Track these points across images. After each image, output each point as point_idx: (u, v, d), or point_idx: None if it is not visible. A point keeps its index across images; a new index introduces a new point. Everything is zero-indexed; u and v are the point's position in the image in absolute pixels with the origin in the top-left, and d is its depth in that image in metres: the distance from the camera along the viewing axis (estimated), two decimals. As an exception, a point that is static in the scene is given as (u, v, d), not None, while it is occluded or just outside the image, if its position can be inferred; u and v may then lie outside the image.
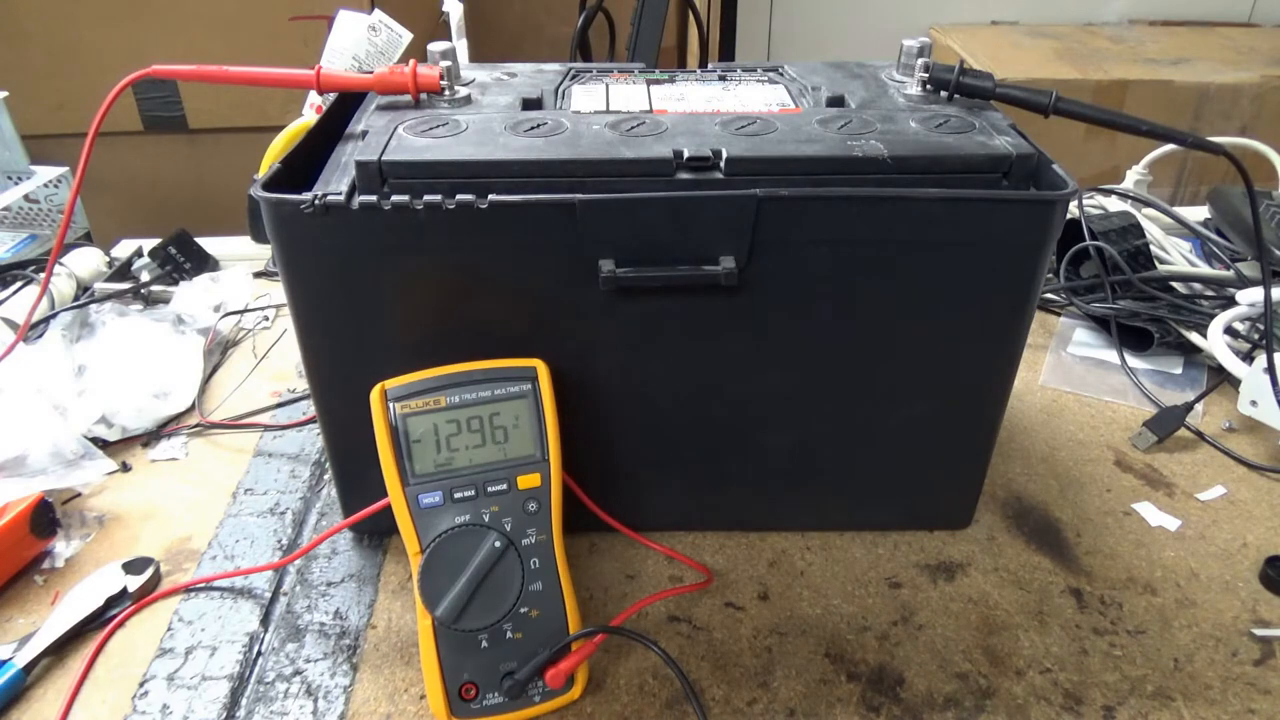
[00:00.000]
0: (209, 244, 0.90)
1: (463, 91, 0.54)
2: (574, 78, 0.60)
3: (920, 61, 0.54)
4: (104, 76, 0.62)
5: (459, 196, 0.45)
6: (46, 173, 0.99)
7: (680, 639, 0.52)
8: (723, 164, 0.46)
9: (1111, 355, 0.77)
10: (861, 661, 0.51)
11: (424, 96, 0.53)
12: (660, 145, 0.47)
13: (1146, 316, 0.77)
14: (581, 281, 0.47)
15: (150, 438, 0.68)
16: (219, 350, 0.79)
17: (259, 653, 0.51)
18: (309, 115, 0.76)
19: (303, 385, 0.73)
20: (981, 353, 0.51)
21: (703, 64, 0.63)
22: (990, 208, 0.46)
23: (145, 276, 0.84)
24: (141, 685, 0.49)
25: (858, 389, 0.52)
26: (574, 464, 0.51)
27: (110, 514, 0.61)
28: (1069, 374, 0.76)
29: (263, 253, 0.92)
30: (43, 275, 0.73)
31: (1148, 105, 1.62)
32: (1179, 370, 0.75)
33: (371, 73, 0.53)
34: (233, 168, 1.40)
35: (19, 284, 0.82)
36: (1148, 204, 0.91)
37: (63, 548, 0.58)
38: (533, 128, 0.49)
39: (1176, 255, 0.83)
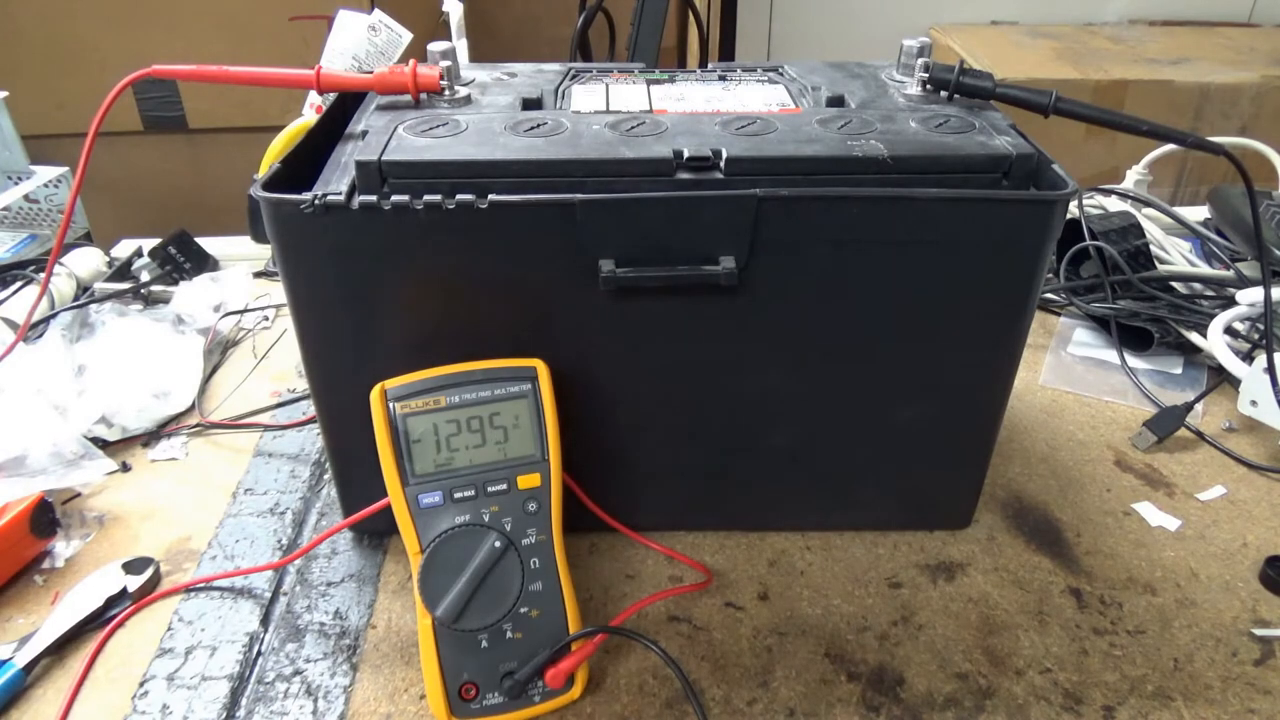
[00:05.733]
0: (209, 244, 0.90)
1: (463, 91, 0.54)
2: (574, 78, 0.60)
3: (920, 61, 0.54)
4: (104, 76, 0.62)
5: (459, 196, 0.45)
6: (46, 173, 0.99)
7: (680, 639, 0.52)
8: (723, 164, 0.46)
9: (1111, 355, 0.77)
10: (861, 661, 0.51)
11: (424, 96, 0.53)
12: (660, 145, 0.47)
13: (1146, 316, 0.76)
14: (581, 281, 0.47)
15: (150, 438, 0.68)
16: (219, 350, 0.79)
17: (259, 653, 0.51)
18: (309, 115, 0.76)
19: (303, 385, 0.73)
20: (981, 352, 0.51)
21: (703, 64, 0.63)
22: (990, 208, 0.46)
23: (145, 276, 0.84)
24: (141, 685, 0.49)
25: (858, 389, 0.52)
26: (574, 464, 0.51)
27: (110, 514, 0.61)
28: (1069, 374, 0.76)
29: (263, 253, 0.92)
30: (43, 275, 0.73)
31: (1148, 105, 1.62)
32: (1179, 370, 0.75)
33: (371, 73, 0.53)
34: (233, 168, 1.40)
35: (19, 284, 0.82)
36: (1148, 204, 0.91)
37: (63, 548, 0.58)
38: (533, 128, 0.49)
39: (1176, 255, 0.83)
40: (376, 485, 0.48)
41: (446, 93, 0.53)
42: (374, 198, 0.45)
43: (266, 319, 0.83)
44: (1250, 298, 0.73)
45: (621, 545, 0.58)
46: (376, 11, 0.87)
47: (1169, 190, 1.63)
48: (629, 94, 0.56)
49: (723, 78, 0.60)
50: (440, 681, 0.46)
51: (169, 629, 0.53)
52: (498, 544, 0.46)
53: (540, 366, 0.49)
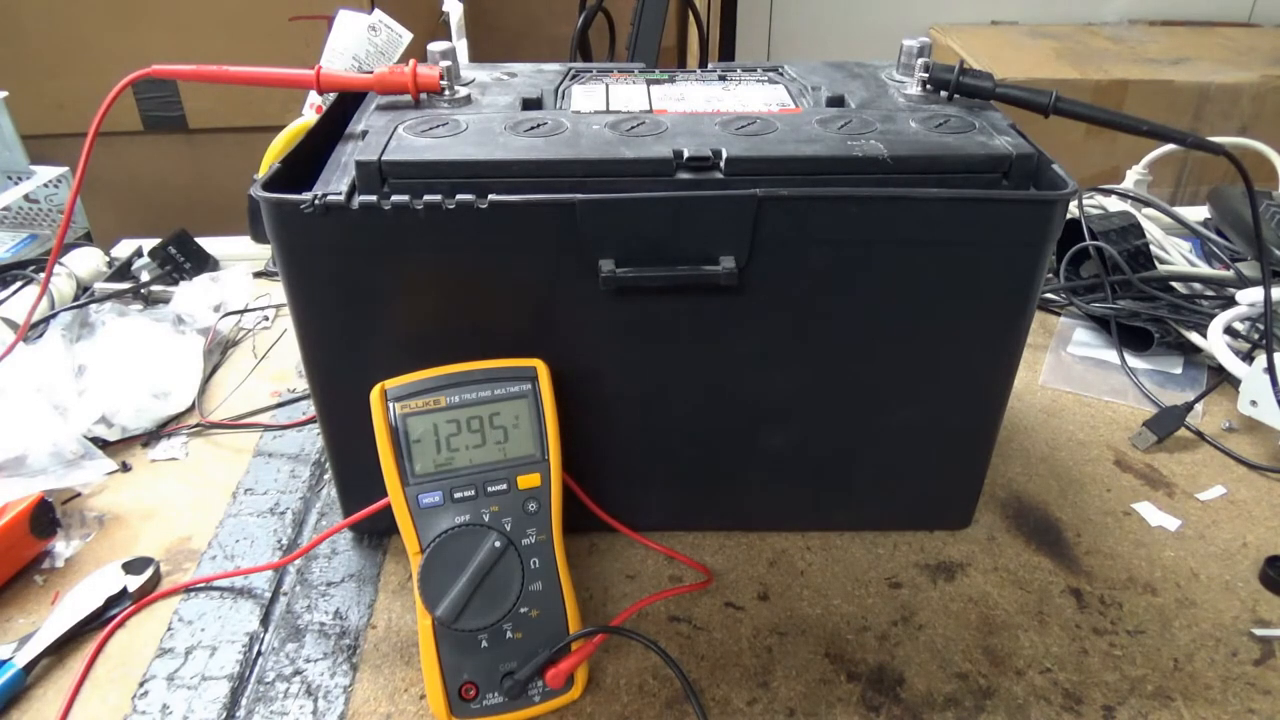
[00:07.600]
0: (209, 244, 0.90)
1: (463, 91, 0.54)
2: (574, 78, 0.60)
3: (920, 61, 0.54)
4: (104, 76, 0.62)
5: (459, 196, 0.45)
6: (46, 173, 0.99)
7: (680, 639, 0.52)
8: (723, 164, 0.46)
9: (1111, 355, 0.77)
10: (861, 661, 0.51)
11: (424, 96, 0.53)
12: (660, 145, 0.47)
13: (1146, 316, 0.76)
14: (581, 281, 0.47)
15: (150, 438, 0.68)
16: (219, 350, 0.79)
17: (259, 653, 0.51)
18: (309, 115, 0.76)
19: (303, 385, 0.73)
20: (981, 353, 0.51)
21: (703, 64, 0.63)
22: (990, 208, 0.46)
23: (145, 276, 0.84)
24: (141, 685, 0.49)
25: (857, 389, 0.52)
26: (574, 464, 0.51)
27: (110, 514, 0.61)
28: (1069, 374, 0.76)
29: (263, 253, 0.92)
30: (43, 275, 0.73)
31: (1148, 105, 1.62)
32: (1179, 370, 0.75)
33: (371, 73, 0.53)
34: (233, 168, 1.40)
35: (19, 284, 0.82)
36: (1148, 204, 0.91)
37: (63, 548, 0.58)
38: (533, 128, 0.49)
39: (1176, 255, 0.83)
40: (376, 485, 0.48)
41: (446, 93, 0.53)
42: (374, 198, 0.45)
43: (266, 319, 0.83)
44: (1250, 298, 0.73)
45: (621, 545, 0.58)
46: (376, 11, 0.87)
47: (1169, 190, 1.63)
48: (629, 94, 0.56)
49: (723, 78, 0.60)
50: (440, 681, 0.46)
51: (169, 629, 0.53)
52: (498, 544, 0.46)
53: (540, 366, 0.49)
